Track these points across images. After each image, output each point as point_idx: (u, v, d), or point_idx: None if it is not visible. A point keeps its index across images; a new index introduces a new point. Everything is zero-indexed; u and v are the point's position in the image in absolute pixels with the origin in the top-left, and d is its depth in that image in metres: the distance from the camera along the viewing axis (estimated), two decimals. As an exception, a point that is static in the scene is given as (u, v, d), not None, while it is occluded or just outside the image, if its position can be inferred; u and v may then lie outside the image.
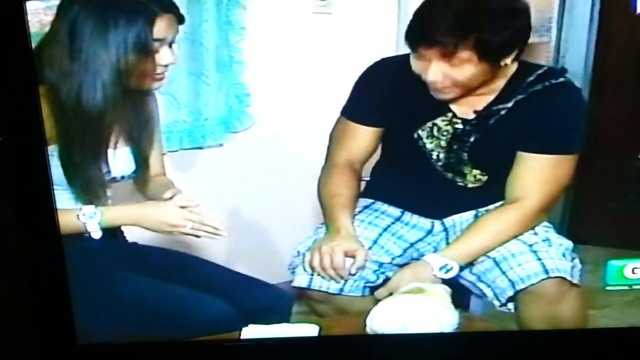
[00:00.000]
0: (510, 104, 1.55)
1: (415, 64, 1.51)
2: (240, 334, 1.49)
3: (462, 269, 1.58)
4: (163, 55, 1.46)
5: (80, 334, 1.42)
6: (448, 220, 1.68)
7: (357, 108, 1.66)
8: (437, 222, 1.68)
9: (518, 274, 1.53)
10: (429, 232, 1.69)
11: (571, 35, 1.88)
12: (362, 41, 1.70)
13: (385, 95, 1.62)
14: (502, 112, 1.56)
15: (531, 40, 1.55)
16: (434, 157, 1.63)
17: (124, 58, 1.41)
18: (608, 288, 1.49)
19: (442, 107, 1.59)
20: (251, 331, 1.51)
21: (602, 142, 1.75)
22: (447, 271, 1.55)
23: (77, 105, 1.42)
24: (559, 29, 1.89)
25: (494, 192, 1.62)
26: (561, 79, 1.57)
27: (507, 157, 1.58)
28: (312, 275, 1.60)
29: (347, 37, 1.71)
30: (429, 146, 1.63)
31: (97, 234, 1.48)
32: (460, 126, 1.60)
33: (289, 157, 1.74)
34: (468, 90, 1.53)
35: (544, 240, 1.57)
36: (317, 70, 1.71)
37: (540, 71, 1.56)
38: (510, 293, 1.54)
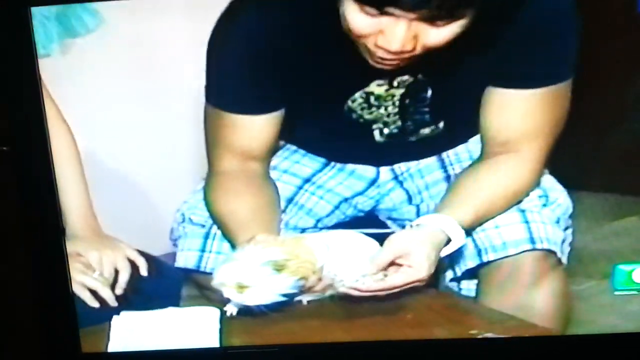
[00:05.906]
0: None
1: (361, 22, 0.99)
2: (110, 325, 1.22)
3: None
4: None
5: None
6: (400, 167, 1.25)
7: (231, 93, 1.15)
8: (384, 169, 1.25)
9: (491, 239, 1.14)
10: (373, 182, 1.25)
11: None
12: None
13: (273, 63, 1.11)
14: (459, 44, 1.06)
15: None
16: (377, 128, 1.18)
17: None
18: (616, 293, 1.22)
19: (372, 69, 1.08)
20: (123, 319, 1.22)
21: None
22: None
23: None
24: None
25: (458, 132, 1.22)
26: None
27: (479, 98, 1.14)
28: (202, 251, 1.19)
29: None
30: (367, 117, 1.17)
31: None
32: (410, 79, 1.12)
33: (160, 80, 1.22)
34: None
35: (540, 197, 1.17)
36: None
37: None
38: (471, 264, 1.16)
